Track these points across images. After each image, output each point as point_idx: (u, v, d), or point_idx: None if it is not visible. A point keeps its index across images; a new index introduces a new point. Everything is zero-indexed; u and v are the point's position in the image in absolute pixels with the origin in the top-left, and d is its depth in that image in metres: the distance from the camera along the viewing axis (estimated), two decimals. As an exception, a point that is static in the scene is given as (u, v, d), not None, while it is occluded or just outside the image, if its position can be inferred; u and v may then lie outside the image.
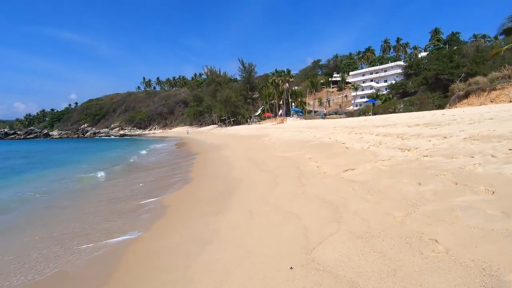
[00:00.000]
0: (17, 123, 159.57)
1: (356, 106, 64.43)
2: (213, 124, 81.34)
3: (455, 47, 50.58)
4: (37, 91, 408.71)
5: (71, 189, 10.13)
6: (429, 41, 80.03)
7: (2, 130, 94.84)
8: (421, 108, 32.96)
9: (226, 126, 68.48)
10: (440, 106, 31.95)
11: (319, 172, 6.85)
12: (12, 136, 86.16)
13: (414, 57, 69.20)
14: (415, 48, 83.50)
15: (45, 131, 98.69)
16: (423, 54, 68.19)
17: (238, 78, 79.54)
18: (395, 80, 55.38)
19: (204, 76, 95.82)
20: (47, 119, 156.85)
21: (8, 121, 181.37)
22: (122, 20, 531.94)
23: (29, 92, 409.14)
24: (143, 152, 20.95)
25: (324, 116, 45.22)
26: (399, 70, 61.54)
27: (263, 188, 6.63)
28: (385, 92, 55.61)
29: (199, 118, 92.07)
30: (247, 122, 65.85)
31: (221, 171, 10.34)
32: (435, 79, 38.77)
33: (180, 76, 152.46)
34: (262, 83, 73.59)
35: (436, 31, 79.75)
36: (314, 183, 6.06)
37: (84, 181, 11.44)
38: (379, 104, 41.45)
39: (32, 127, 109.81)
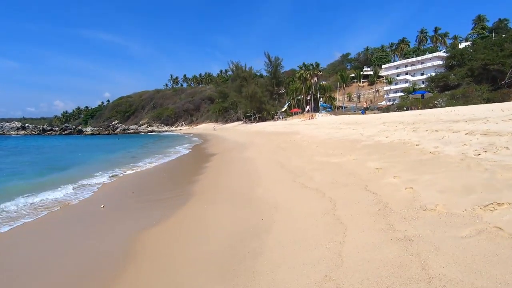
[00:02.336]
0: (55, 120, 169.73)
1: (389, 101, 60.49)
2: (238, 120, 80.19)
3: (503, 35, 45.48)
4: (75, 89, 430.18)
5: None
6: (472, 29, 73.26)
7: (41, 126, 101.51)
8: (466, 102, 29.81)
9: (251, 122, 67.08)
10: (489, 100, 28.51)
11: (421, 205, 3.91)
12: (49, 132, 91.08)
13: (456, 47, 63.54)
14: (455, 38, 76.70)
15: (79, 127, 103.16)
16: (465, 44, 62.39)
17: (264, 73, 77.73)
18: (434, 72, 51.00)
19: (230, 73, 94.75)
20: (81, 116, 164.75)
21: (48, 118, 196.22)
22: (150, 18, 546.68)
23: (67, 91, 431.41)
24: (155, 156, 19.42)
25: (364, 111, 42.83)
26: (438, 62, 56.82)
27: (319, 236, 3.74)
28: (422, 85, 51.58)
29: (224, 115, 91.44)
30: (272, 118, 63.97)
31: (241, 184, 7.75)
32: (483, 70, 35.30)
33: (206, 73, 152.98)
34: (289, 78, 71.20)
35: (480, 19, 72.96)
36: (431, 238, 3.06)
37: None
38: (430, 96, 37.95)
39: (67, 124, 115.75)
